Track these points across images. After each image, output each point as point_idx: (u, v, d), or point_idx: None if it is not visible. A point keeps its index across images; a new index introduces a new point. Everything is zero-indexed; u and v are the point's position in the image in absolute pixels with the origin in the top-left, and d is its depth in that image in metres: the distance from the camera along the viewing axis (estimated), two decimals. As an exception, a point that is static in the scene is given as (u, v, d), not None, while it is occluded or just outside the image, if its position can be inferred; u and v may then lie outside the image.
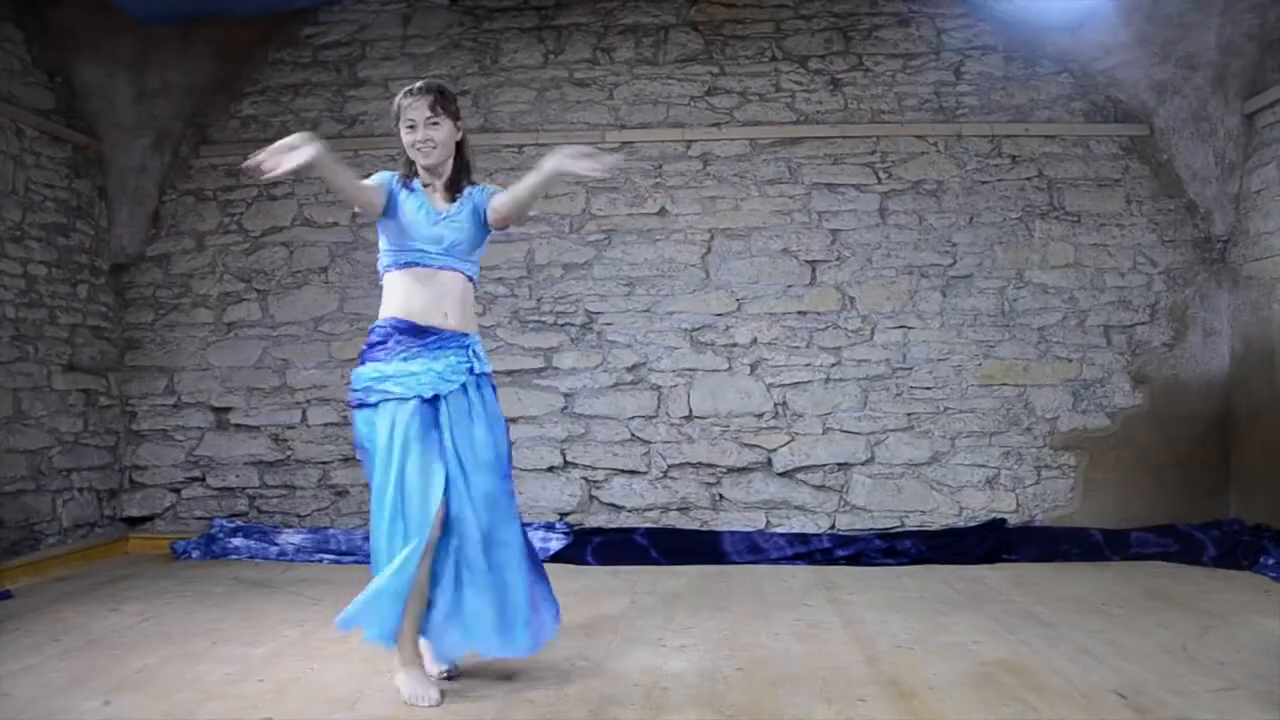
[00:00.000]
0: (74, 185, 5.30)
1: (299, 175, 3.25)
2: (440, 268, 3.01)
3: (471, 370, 2.98)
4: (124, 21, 5.00)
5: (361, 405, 2.94)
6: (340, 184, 2.89)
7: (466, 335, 3.02)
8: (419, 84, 3.04)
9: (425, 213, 3.02)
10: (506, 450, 3.02)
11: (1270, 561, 4.57)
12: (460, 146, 3.11)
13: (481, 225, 3.07)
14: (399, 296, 2.99)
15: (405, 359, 2.92)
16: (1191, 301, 5.41)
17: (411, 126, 3.00)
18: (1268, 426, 4.98)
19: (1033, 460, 5.39)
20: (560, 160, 2.81)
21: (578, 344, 5.52)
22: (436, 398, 2.91)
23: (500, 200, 3.01)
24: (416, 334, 2.95)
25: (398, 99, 3.04)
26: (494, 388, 3.09)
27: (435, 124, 2.99)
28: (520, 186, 2.93)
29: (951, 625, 3.71)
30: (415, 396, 2.89)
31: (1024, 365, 5.42)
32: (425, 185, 3.07)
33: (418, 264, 2.99)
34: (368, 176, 3.06)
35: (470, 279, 3.09)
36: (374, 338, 2.98)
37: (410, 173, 3.08)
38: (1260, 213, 5.05)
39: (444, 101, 3.02)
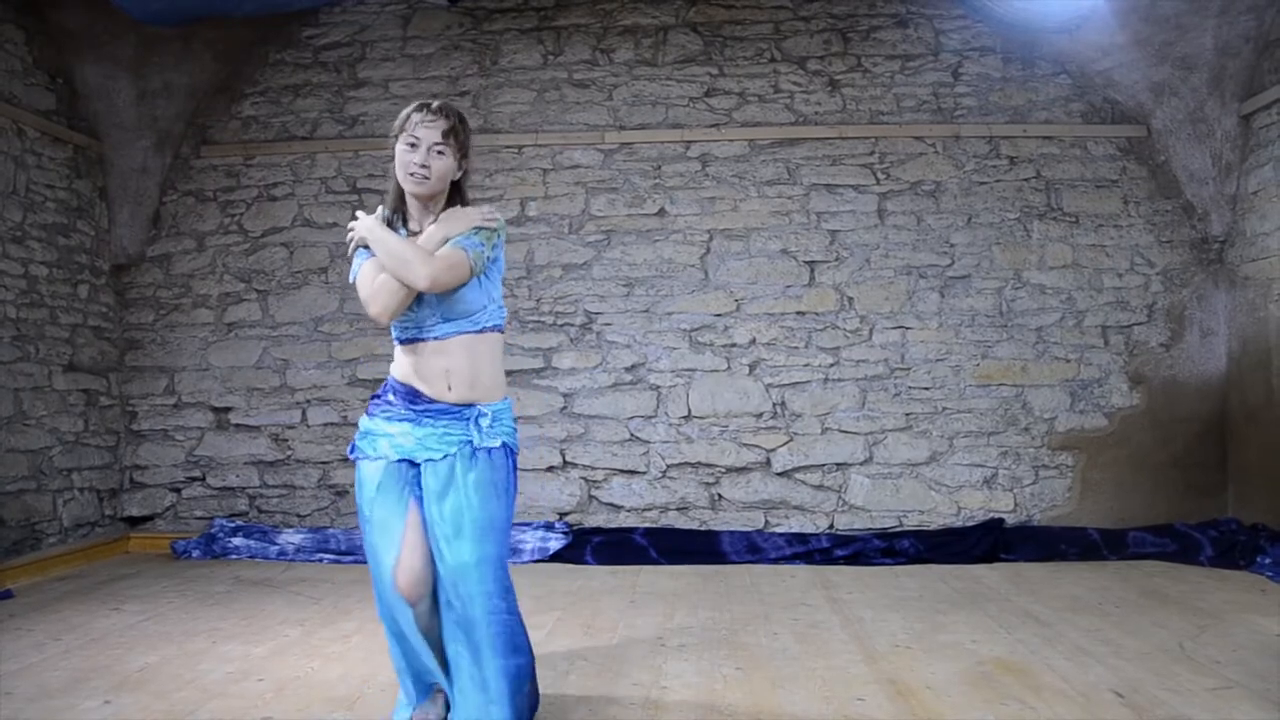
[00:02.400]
0: (75, 186, 5.31)
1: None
2: (440, 338, 2.68)
3: (470, 443, 2.65)
4: (125, 23, 5.01)
5: (355, 457, 2.76)
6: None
7: (471, 407, 2.69)
8: (436, 103, 2.66)
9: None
10: (492, 521, 2.63)
11: (1267, 561, 4.59)
12: (458, 185, 2.74)
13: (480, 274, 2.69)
14: (404, 363, 2.73)
15: (389, 419, 2.70)
16: (1189, 302, 5.42)
17: (413, 145, 2.61)
18: (1264, 426, 4.99)
19: (1030, 460, 5.40)
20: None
21: (577, 344, 5.54)
22: (417, 464, 2.67)
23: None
24: (410, 399, 2.70)
25: (408, 111, 2.64)
26: (508, 461, 2.71)
27: (441, 153, 2.62)
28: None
29: (950, 624, 3.73)
30: (381, 459, 2.67)
31: (1022, 365, 5.43)
32: (410, 228, 2.71)
33: (418, 339, 2.69)
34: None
35: (482, 331, 2.72)
36: (380, 391, 2.78)
37: (397, 205, 2.72)
38: (1257, 214, 5.06)
39: (458, 133, 2.65)
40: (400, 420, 2.70)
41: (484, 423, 2.69)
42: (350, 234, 2.68)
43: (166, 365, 5.69)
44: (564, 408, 5.51)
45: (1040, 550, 5.07)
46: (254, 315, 5.67)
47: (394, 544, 2.61)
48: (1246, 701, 2.76)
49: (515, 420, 2.84)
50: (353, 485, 5.49)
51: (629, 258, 5.54)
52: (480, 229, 2.66)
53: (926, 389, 5.44)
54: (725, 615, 3.93)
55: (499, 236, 2.71)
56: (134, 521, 5.66)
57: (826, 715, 2.72)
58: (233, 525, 5.43)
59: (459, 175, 2.71)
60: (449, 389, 2.69)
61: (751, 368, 5.48)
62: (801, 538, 5.21)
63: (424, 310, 2.67)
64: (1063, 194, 5.48)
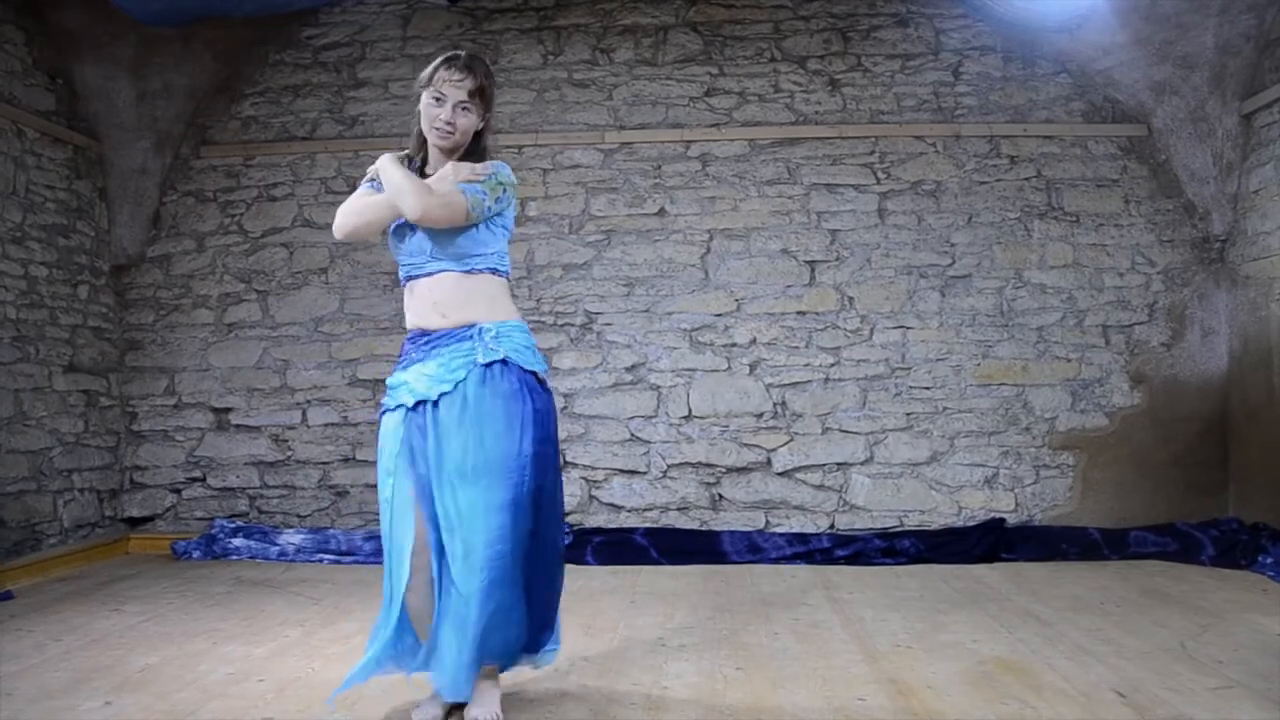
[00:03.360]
0: (75, 186, 5.31)
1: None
2: (432, 274, 2.73)
3: (476, 362, 2.63)
4: (125, 23, 5.00)
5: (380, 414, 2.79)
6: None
7: (472, 325, 2.68)
8: (463, 56, 2.72)
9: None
10: (504, 460, 2.58)
11: (1268, 560, 4.58)
12: (479, 135, 2.80)
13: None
14: (408, 307, 2.78)
15: (406, 367, 2.72)
16: (1190, 301, 5.42)
17: (439, 99, 2.69)
18: (1266, 425, 4.99)
19: (1031, 460, 5.40)
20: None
21: (577, 344, 5.53)
22: (428, 405, 2.64)
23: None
24: (416, 340, 2.74)
25: (436, 64, 2.71)
26: (521, 381, 2.66)
27: (467, 110, 2.71)
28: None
29: (950, 624, 3.72)
30: (399, 406, 2.68)
31: (1023, 365, 5.43)
32: (427, 173, 2.79)
33: (413, 277, 2.76)
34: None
35: (470, 272, 2.72)
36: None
37: (419, 149, 2.82)
38: (1258, 213, 5.06)
39: (485, 90, 2.73)
40: (414, 364, 2.71)
41: (487, 336, 2.67)
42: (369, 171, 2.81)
43: (167, 366, 5.69)
44: (564, 408, 5.50)
45: (1041, 550, 5.07)
46: (254, 316, 5.67)
47: (411, 513, 2.64)
48: (1248, 701, 2.76)
49: (534, 346, 2.78)
50: (353, 486, 5.53)
51: (629, 258, 5.54)
52: (492, 179, 2.71)
53: (927, 389, 5.43)
54: (726, 615, 3.93)
55: (506, 192, 2.75)
56: (134, 522, 5.66)
57: (827, 715, 2.71)
58: (233, 526, 5.43)
59: (481, 126, 2.79)
60: (443, 316, 2.71)
61: (752, 367, 5.47)
62: (802, 538, 5.20)
63: (414, 246, 2.75)
64: (1063, 193, 5.48)
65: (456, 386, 2.62)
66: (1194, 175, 5.31)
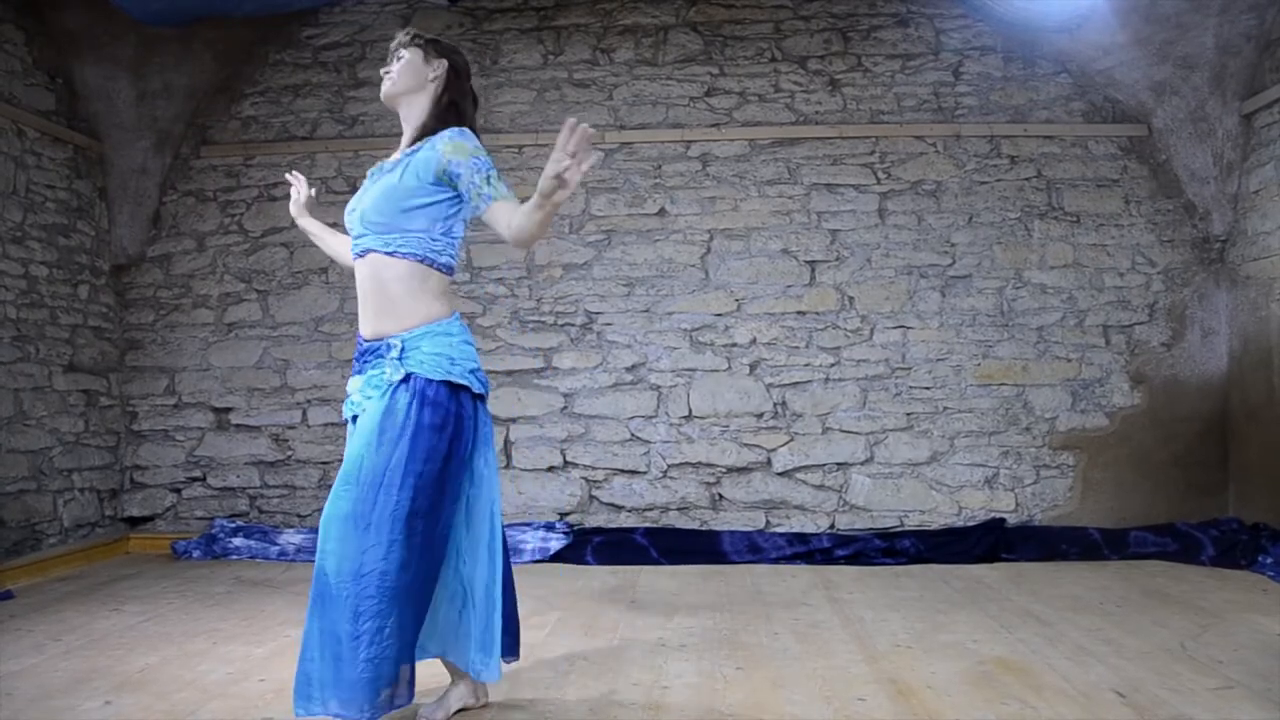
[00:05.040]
0: (75, 186, 5.31)
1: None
2: (360, 254, 2.59)
3: (388, 381, 2.50)
4: (125, 23, 5.01)
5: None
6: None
7: (389, 338, 2.54)
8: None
9: (365, 185, 2.67)
10: (360, 469, 2.42)
11: (1268, 560, 4.58)
12: (447, 87, 2.67)
13: (426, 184, 2.52)
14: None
15: (353, 375, 2.64)
16: (1190, 301, 5.42)
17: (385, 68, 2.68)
18: (1266, 425, 4.99)
19: (1031, 460, 5.40)
20: (550, 177, 2.24)
21: (577, 344, 5.53)
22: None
23: (515, 222, 2.43)
24: (359, 345, 2.63)
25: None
26: (410, 395, 2.48)
27: (399, 57, 2.66)
28: (530, 210, 2.37)
29: (950, 624, 3.72)
30: (346, 421, 2.63)
31: (1023, 365, 5.43)
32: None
33: (354, 256, 2.62)
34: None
35: (392, 255, 2.53)
36: None
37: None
38: (1258, 213, 5.06)
39: (417, 38, 2.68)
40: (355, 375, 2.62)
41: (391, 355, 2.52)
42: None
43: (167, 365, 5.69)
44: (564, 408, 5.51)
45: (1041, 550, 5.07)
46: (254, 315, 5.67)
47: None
48: (1248, 701, 2.76)
49: (454, 340, 2.57)
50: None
51: (629, 257, 5.54)
52: (468, 157, 2.51)
53: (927, 389, 5.43)
54: (726, 615, 3.93)
55: (471, 158, 2.52)
56: (134, 522, 5.66)
57: (827, 715, 2.71)
58: (233, 526, 5.43)
59: (437, 73, 2.67)
60: (367, 324, 2.59)
61: (752, 367, 5.47)
62: (802, 537, 5.20)
63: (354, 214, 2.62)
64: (1064, 193, 5.48)
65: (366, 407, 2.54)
66: (1194, 175, 5.31)
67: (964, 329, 5.45)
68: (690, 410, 5.48)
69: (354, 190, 5.68)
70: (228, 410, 5.66)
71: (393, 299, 2.54)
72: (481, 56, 5.69)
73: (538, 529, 5.24)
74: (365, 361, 2.59)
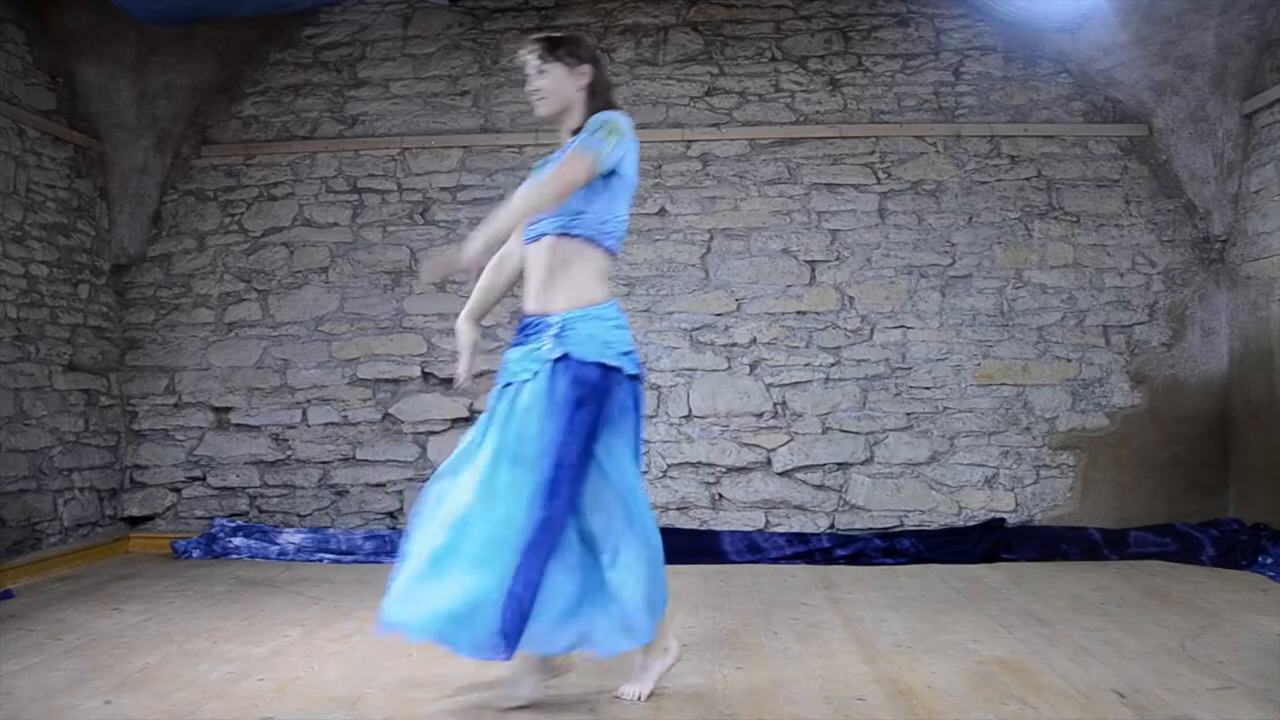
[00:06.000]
0: (75, 185, 5.31)
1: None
2: (530, 240, 2.81)
3: (544, 358, 2.68)
4: (126, 22, 5.00)
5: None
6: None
7: (548, 316, 2.72)
8: (533, 36, 2.88)
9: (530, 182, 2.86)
10: (556, 450, 2.62)
11: (1269, 561, 4.58)
12: (594, 91, 2.83)
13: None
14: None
15: (514, 344, 2.84)
16: (1190, 301, 5.42)
17: (526, 80, 2.85)
18: (1266, 426, 4.98)
19: (1031, 460, 5.39)
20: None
21: (578, 344, 5.52)
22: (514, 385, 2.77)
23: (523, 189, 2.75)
24: (522, 319, 2.84)
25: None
26: (569, 377, 2.66)
27: (543, 72, 2.79)
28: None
29: (950, 624, 3.72)
30: (499, 385, 2.80)
31: (1023, 365, 5.43)
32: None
33: (525, 242, 2.84)
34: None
35: (564, 235, 2.73)
36: None
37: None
38: (1259, 213, 5.06)
39: (551, 45, 2.79)
40: (514, 345, 2.82)
41: (550, 332, 2.70)
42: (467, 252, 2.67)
43: (167, 365, 5.69)
44: (565, 407, 5.49)
45: (1041, 550, 5.07)
46: (254, 315, 5.67)
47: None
48: (1248, 701, 2.76)
49: (609, 324, 2.74)
50: (353, 485, 5.54)
51: (629, 257, 5.53)
52: (603, 126, 2.68)
53: (927, 388, 5.43)
54: (726, 615, 3.93)
55: (619, 139, 2.70)
56: (134, 521, 5.66)
57: (827, 715, 2.71)
58: (233, 525, 5.43)
59: (587, 79, 2.81)
60: (530, 298, 2.79)
61: (752, 367, 5.47)
62: (802, 537, 5.20)
63: None
64: (1064, 193, 5.48)
65: (526, 382, 2.72)
66: (1194, 175, 5.31)
67: (964, 329, 5.45)
68: (690, 410, 5.48)
69: (354, 189, 5.73)
70: (228, 410, 5.66)
71: (558, 278, 2.73)
72: (482, 56, 5.69)
73: (538, 529, 5.23)
74: (526, 335, 2.78)
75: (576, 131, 2.78)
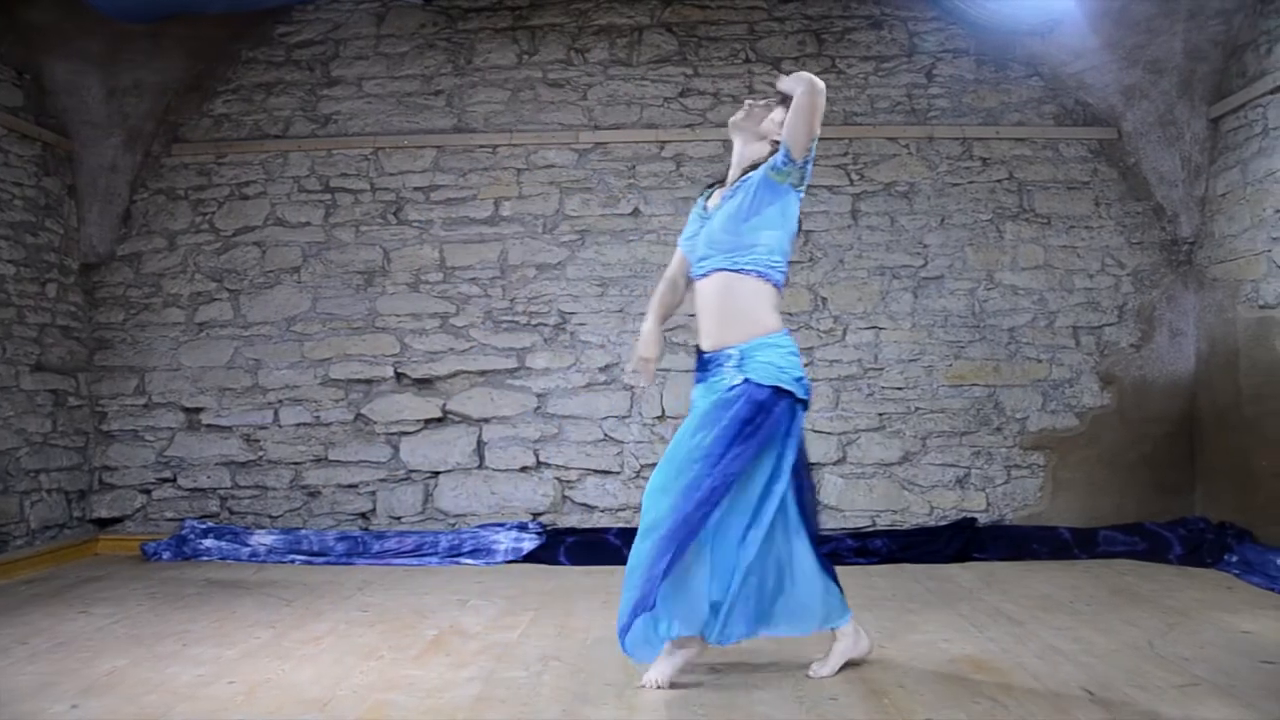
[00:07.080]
0: (43, 183, 5.25)
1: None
2: (702, 276, 3.02)
3: (729, 384, 2.93)
4: (95, 19, 4.93)
5: None
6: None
7: (726, 349, 2.96)
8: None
9: (695, 218, 3.12)
10: (690, 452, 2.91)
11: (1234, 559, 4.64)
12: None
13: (756, 201, 2.95)
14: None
15: (696, 381, 3.08)
16: (1158, 303, 5.48)
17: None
18: (1232, 426, 5.04)
19: (1002, 460, 5.44)
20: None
21: (551, 344, 5.53)
22: None
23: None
24: (698, 357, 3.06)
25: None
26: (744, 397, 2.90)
27: (771, 107, 3.17)
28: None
29: (922, 624, 3.75)
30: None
31: (994, 366, 5.47)
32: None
33: (693, 278, 3.08)
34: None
35: (739, 271, 2.95)
36: None
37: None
38: (1225, 215, 5.12)
39: (785, 101, 3.06)
40: (698, 382, 3.06)
41: (729, 364, 2.93)
42: None
43: (136, 365, 5.63)
44: (537, 408, 5.50)
45: (1012, 549, 5.11)
46: (225, 315, 5.62)
47: None
48: (1214, 698, 2.79)
49: (783, 351, 2.94)
50: (325, 486, 5.51)
51: (603, 258, 5.54)
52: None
53: (899, 389, 5.46)
54: (699, 615, 3.92)
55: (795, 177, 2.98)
56: (103, 523, 5.60)
57: (799, 715, 2.72)
58: (204, 526, 5.38)
59: (777, 136, 3.05)
60: (706, 335, 3.00)
61: (726, 368, 5.47)
62: (776, 537, 5.20)
63: (698, 240, 3.01)
64: (1035, 195, 5.52)
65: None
66: (1163, 178, 5.37)
67: (936, 330, 5.48)
68: (664, 410, 5.48)
69: (327, 189, 5.69)
70: (198, 410, 5.61)
71: (735, 312, 2.95)
72: (455, 56, 5.67)
73: (510, 529, 5.23)
74: (707, 371, 3.00)
75: (753, 167, 3.03)
